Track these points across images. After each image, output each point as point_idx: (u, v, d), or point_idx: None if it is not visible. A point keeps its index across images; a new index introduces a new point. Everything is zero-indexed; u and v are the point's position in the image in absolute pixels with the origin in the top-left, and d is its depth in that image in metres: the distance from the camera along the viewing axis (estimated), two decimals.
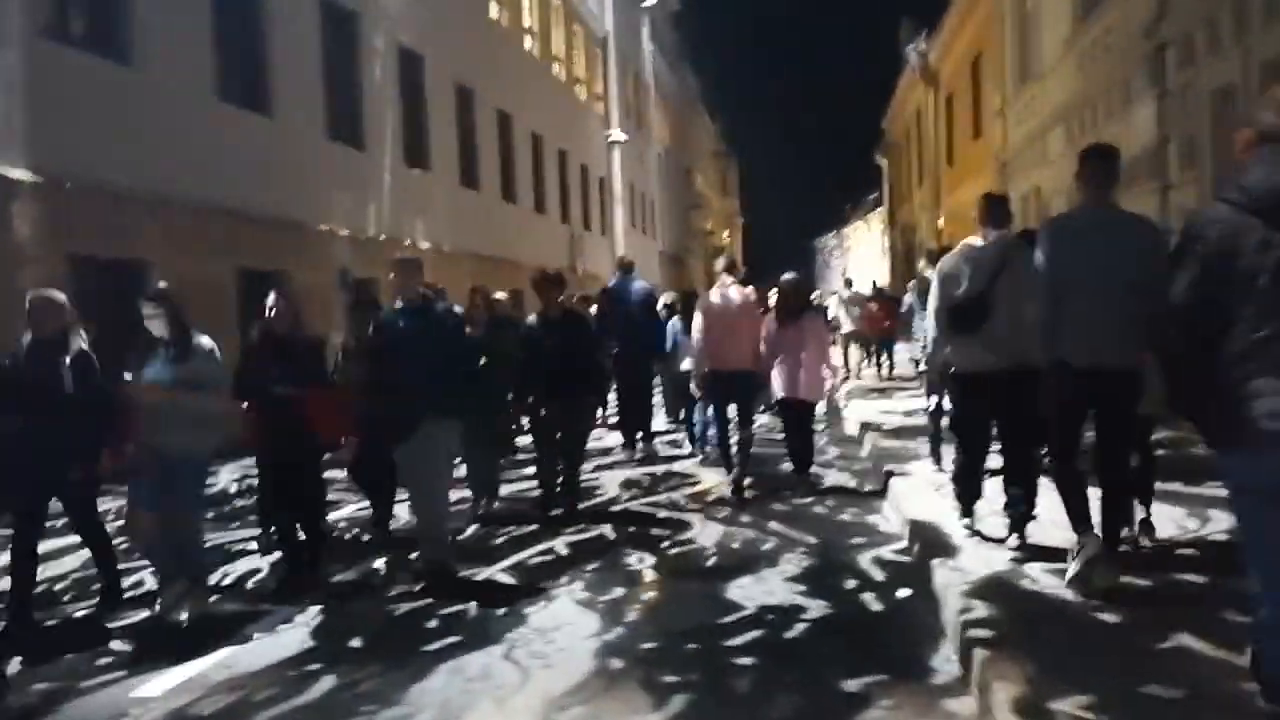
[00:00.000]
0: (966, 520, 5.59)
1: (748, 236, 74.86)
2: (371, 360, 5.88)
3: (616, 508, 7.59)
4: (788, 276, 8.36)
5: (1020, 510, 5.24)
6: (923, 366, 8.20)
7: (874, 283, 22.39)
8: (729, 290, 7.99)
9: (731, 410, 7.95)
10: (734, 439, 7.86)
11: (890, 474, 7.75)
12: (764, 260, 70.80)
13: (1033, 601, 4.45)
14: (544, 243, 23.88)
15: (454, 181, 18.20)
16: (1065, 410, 4.53)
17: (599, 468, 9.52)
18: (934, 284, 5.60)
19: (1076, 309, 4.38)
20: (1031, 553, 5.09)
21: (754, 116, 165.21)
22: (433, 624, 4.96)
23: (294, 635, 4.86)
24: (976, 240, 5.33)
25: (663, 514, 7.28)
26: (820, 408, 8.44)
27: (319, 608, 5.25)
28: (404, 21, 16.00)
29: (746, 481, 7.96)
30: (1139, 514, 5.18)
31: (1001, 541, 5.33)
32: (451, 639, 4.69)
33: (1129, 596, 4.29)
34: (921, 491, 7.06)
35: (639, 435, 10.15)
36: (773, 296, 8.74)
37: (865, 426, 10.89)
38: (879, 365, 17.67)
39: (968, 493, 5.57)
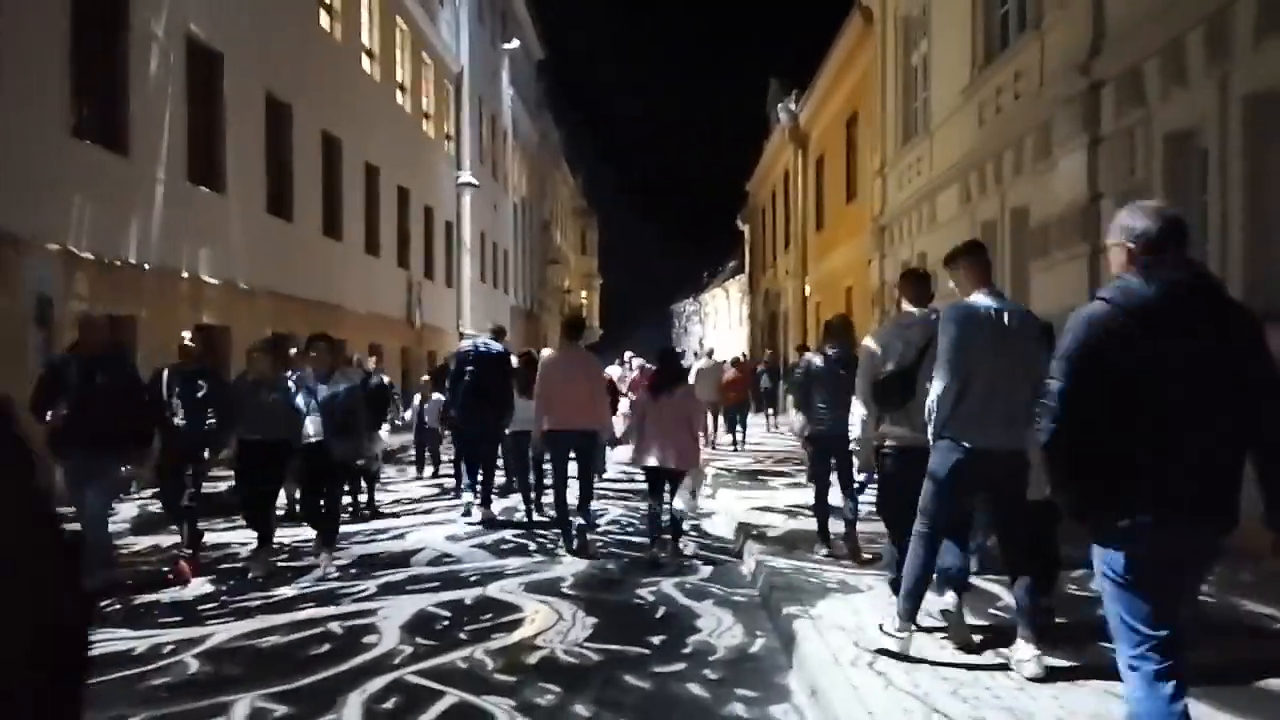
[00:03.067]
0: (903, 632, 4.72)
1: (605, 297, 73.08)
2: None
3: (383, 679, 4.87)
4: (665, 347, 9.10)
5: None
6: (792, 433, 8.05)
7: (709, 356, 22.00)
8: (570, 350, 8.24)
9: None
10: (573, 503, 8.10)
11: (793, 631, 5.34)
12: (621, 323, 69.07)
13: None
14: (376, 288, 21.03)
15: (257, 207, 15.24)
16: (957, 490, 4.62)
17: (386, 588, 6.83)
18: (863, 357, 5.62)
19: (975, 393, 4.52)
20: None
21: (615, 176, 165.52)
22: None
23: None
24: (909, 313, 5.44)
25: (450, 696, 4.62)
26: (679, 502, 7.58)
27: None
28: (193, 9, 13.13)
29: (587, 629, 5.59)
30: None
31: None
32: None
33: None
34: (847, 668, 4.65)
35: (477, 500, 9.76)
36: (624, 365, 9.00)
37: (744, 531, 8.52)
38: (732, 434, 17.57)
39: (911, 594, 4.74)
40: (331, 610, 6.25)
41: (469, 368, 9.71)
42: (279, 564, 7.63)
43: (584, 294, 64.72)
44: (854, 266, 22.12)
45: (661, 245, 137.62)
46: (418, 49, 25.01)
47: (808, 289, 28.71)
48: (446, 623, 5.94)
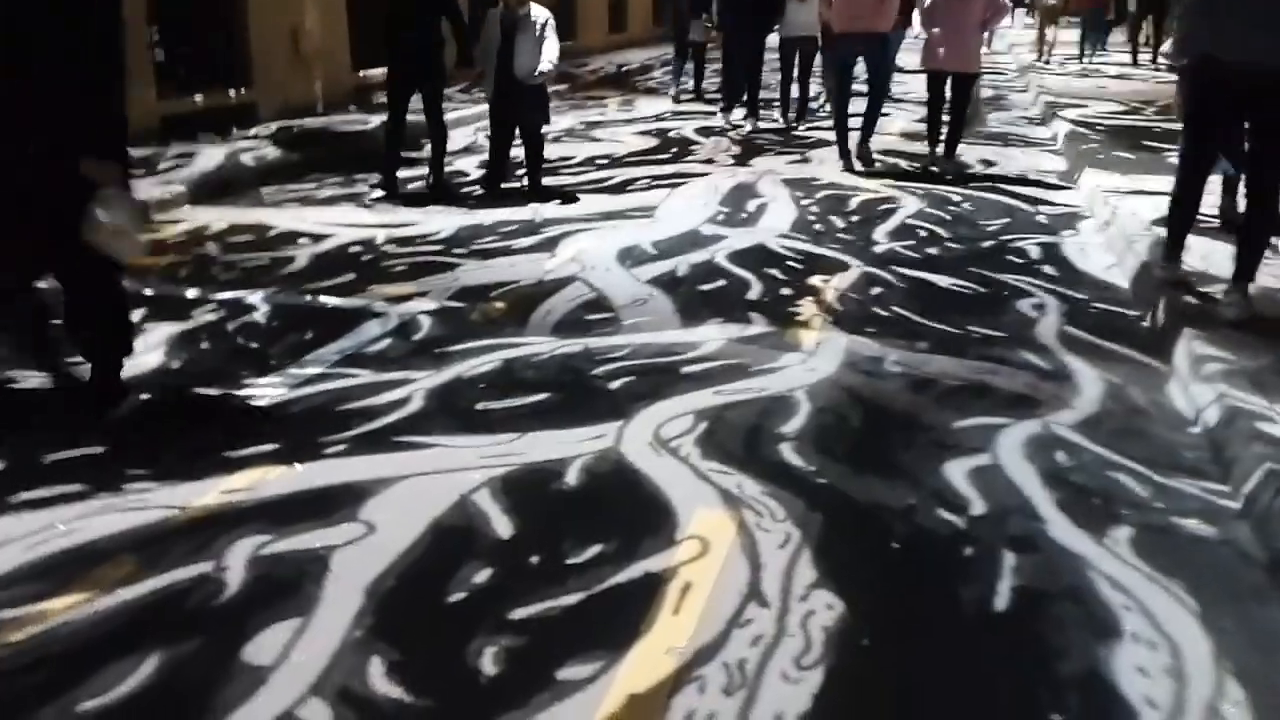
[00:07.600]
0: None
1: None
2: None
3: None
4: None
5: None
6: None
7: None
8: None
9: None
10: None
11: None
12: None
13: None
14: None
15: None
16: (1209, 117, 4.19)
17: (433, 415, 3.53)
18: None
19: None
20: None
21: None
22: None
23: None
24: None
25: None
26: None
27: None
28: None
29: (813, 635, 2.06)
30: None
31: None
32: None
33: None
34: None
35: (744, 104, 9.92)
36: None
37: (1161, 291, 4.43)
38: (1081, 52, 14.71)
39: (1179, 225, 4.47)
40: (273, 474, 3.02)
41: None
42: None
43: None
44: None
45: None
46: None
47: None
48: (490, 573, 2.56)
